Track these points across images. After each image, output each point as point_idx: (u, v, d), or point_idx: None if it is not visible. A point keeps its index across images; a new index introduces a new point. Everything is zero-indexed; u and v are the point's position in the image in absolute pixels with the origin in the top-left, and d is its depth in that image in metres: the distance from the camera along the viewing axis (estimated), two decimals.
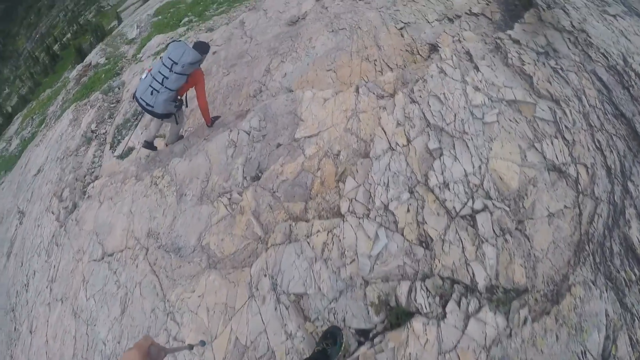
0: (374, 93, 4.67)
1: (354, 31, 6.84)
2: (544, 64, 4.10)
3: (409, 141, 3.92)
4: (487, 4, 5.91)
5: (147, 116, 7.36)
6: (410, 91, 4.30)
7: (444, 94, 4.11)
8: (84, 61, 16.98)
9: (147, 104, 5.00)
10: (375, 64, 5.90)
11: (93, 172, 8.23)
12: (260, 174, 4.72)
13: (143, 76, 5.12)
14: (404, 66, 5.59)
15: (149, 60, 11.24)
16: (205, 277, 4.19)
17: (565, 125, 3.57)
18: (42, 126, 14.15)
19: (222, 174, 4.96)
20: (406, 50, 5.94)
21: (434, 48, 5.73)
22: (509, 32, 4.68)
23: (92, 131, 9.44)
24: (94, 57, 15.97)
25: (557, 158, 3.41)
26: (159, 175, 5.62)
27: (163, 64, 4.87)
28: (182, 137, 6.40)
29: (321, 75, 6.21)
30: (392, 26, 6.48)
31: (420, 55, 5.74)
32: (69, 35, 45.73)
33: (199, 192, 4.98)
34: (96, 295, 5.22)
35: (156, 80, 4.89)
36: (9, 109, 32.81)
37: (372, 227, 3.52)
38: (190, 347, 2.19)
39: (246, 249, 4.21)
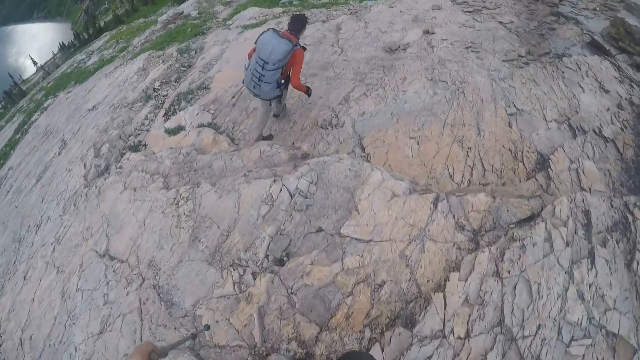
0: (454, 217, 3.47)
1: (455, 94, 5.52)
2: None
3: (467, 335, 2.74)
4: (622, 129, 4.50)
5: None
6: (500, 255, 3.06)
7: (539, 284, 2.85)
8: (178, 8, 16.21)
9: (255, 94, 4.91)
10: (467, 154, 4.62)
11: (139, 134, 7.44)
12: (285, 259, 3.68)
13: (245, 65, 4.88)
14: (503, 181, 4.30)
15: (237, 31, 10.21)
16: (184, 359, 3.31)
17: None
18: (123, 53, 13.62)
19: (245, 236, 3.94)
20: (509, 149, 4.63)
21: (542, 162, 4.41)
22: None
23: (154, 89, 8.63)
24: (188, 7, 15.12)
25: None
26: (185, 195, 4.68)
27: (256, 61, 4.55)
28: (285, 105, 6.18)
29: (401, 141, 4.98)
30: (501, 107, 5.12)
31: (524, 165, 4.42)
32: None
33: (213, 246, 4.01)
34: (85, 293, 4.57)
35: (255, 77, 4.66)
36: (102, 24, 33.07)
37: None
38: (194, 336, 2.27)
39: (234, 353, 3.27)
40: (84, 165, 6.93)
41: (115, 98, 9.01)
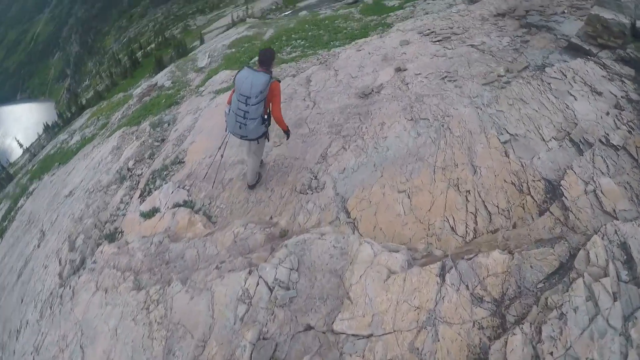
0: (467, 287, 2.76)
1: (441, 132, 4.91)
2: None
3: None
4: (630, 132, 3.87)
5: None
6: (537, 334, 2.34)
7: None
8: (152, 80, 16.00)
9: (242, 136, 4.65)
10: (467, 199, 3.95)
11: (115, 220, 6.80)
12: None
13: (226, 110, 4.73)
14: (513, 222, 3.61)
15: (209, 97, 9.78)
16: None
17: None
18: (103, 130, 13.20)
19: (223, 345, 3.18)
20: (512, 183, 3.97)
21: (552, 190, 3.75)
22: None
23: (129, 169, 8.05)
24: (162, 78, 14.85)
25: None
26: (155, 298, 3.96)
27: (238, 99, 4.39)
28: (260, 176, 5.77)
29: (390, 198, 4.30)
30: (493, 136, 4.50)
31: (533, 198, 3.75)
32: (153, 45, 45.89)
33: None
34: None
35: (239, 116, 4.44)
36: (84, 101, 33.20)
37: None
38: None
39: None
40: (59, 261, 6.28)
41: (90, 182, 8.41)
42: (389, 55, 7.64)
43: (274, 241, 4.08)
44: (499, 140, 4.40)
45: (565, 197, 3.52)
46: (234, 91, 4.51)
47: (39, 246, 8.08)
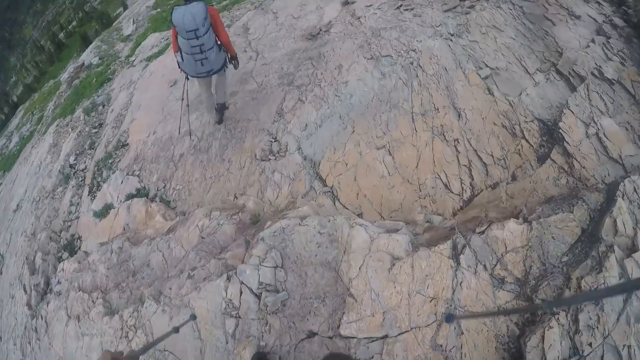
0: (486, 268, 2.28)
1: (410, 71, 4.22)
2: None
3: None
4: (622, 63, 3.38)
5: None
6: (573, 323, 1.90)
7: (629, 347, 1.81)
8: (77, 61, 14.05)
9: (207, 73, 4.35)
10: (456, 149, 3.38)
11: (69, 226, 5.99)
12: None
13: (179, 59, 4.35)
14: (511, 172, 3.12)
15: (141, 66, 8.51)
16: None
17: None
18: (39, 125, 11.76)
19: None
20: (502, 126, 3.43)
21: (548, 132, 3.26)
22: None
23: (71, 166, 7.03)
24: (87, 56, 12.94)
25: None
26: (131, 323, 3.32)
27: (188, 38, 4.02)
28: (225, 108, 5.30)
29: (368, 157, 3.67)
30: (471, 71, 3.88)
31: (528, 142, 3.26)
32: (74, 22, 40.57)
33: None
34: None
35: (197, 54, 4.13)
36: (15, 99, 29.78)
37: None
38: (176, 329, 1.94)
39: None
40: (24, 289, 5.53)
41: (35, 190, 7.36)
42: None
43: (246, 231, 3.45)
44: (479, 75, 3.81)
45: (567, 142, 3.08)
46: (176, 36, 4.16)
47: (1, 273, 7.23)
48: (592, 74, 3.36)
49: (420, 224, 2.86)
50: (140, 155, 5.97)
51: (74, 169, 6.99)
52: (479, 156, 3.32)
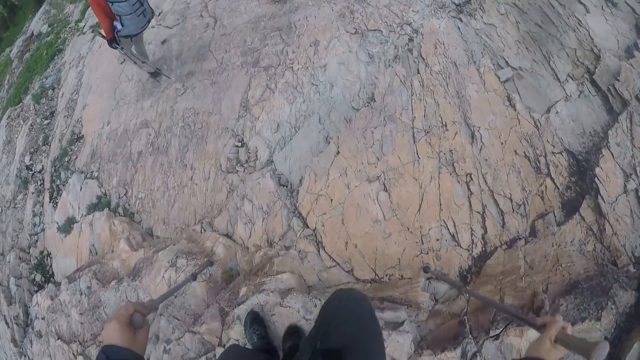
0: None
1: (409, 62, 3.12)
2: None
3: None
4: None
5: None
6: None
7: None
8: (26, 31, 12.07)
9: (148, 21, 4.06)
10: (469, 187, 2.46)
11: (36, 241, 5.18)
12: None
13: (118, 26, 3.85)
14: (531, 221, 2.26)
15: (90, 35, 7.03)
16: None
17: None
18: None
19: None
20: (525, 156, 2.47)
21: (579, 172, 2.34)
22: None
23: (27, 167, 6.02)
24: (36, 24, 10.91)
25: None
26: None
27: None
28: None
29: (358, 192, 2.72)
30: (488, 70, 2.85)
31: (553, 181, 2.36)
32: None
33: None
34: None
35: (139, 8, 3.81)
36: None
37: None
38: (194, 276, 1.88)
39: None
40: (6, 322, 4.94)
41: None
42: None
43: (219, 294, 2.66)
44: (498, 78, 2.73)
45: (601, 197, 2.16)
46: (103, 10, 3.67)
47: None
48: (637, 97, 2.34)
49: (423, 307, 2.06)
50: (96, 151, 5.05)
51: (31, 170, 6.00)
52: (495, 199, 2.43)
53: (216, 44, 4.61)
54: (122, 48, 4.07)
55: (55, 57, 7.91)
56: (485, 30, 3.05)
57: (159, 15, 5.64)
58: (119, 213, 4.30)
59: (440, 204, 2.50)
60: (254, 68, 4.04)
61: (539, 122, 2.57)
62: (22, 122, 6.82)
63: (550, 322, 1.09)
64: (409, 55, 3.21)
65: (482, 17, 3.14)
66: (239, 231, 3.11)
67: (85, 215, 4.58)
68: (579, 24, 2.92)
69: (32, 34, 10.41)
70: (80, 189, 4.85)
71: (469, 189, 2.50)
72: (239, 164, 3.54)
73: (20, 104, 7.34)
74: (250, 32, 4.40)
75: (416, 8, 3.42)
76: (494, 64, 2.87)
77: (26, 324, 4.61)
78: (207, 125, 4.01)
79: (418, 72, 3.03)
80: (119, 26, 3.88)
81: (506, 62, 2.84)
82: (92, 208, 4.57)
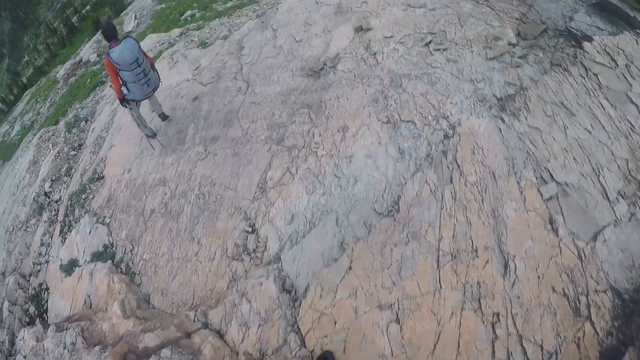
0: None
1: (442, 167, 2.86)
2: None
3: None
4: None
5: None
6: None
7: None
8: (76, 56, 12.60)
9: (153, 90, 4.46)
10: (494, 330, 2.04)
11: (39, 271, 5.15)
12: None
13: (125, 92, 4.32)
14: None
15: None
16: None
17: None
18: (38, 116, 10.78)
19: None
20: (563, 294, 2.09)
21: (623, 310, 2.00)
22: None
23: (45, 194, 6.04)
24: (87, 51, 11.44)
25: None
26: None
27: (132, 69, 4.13)
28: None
29: (366, 318, 2.37)
30: (530, 184, 2.49)
31: (593, 326, 1.96)
32: (88, 7, 38.44)
33: None
34: None
35: (142, 78, 4.24)
36: (24, 80, 28.38)
37: None
38: (188, 335, 2.02)
39: None
40: None
41: (10, 216, 6.43)
42: (343, 6, 5.03)
43: None
44: (540, 194, 2.44)
45: None
46: (116, 73, 4.19)
47: None
48: None
49: None
50: (113, 196, 5.01)
51: (49, 198, 6.07)
52: (523, 346, 2.05)
53: (244, 112, 4.55)
54: (130, 108, 4.53)
55: (97, 88, 8.18)
56: (530, 135, 2.74)
57: (196, 70, 5.71)
58: (121, 269, 4.19)
59: (459, 347, 2.14)
60: (277, 146, 3.92)
61: (584, 252, 2.22)
62: (51, 146, 6.96)
63: None
64: (443, 159, 2.96)
65: (526, 118, 2.84)
66: (231, 332, 2.83)
67: (88, 262, 4.52)
68: (631, 128, 2.56)
69: (81, 59, 10.87)
70: (90, 232, 4.79)
71: (494, 331, 2.13)
72: (245, 252, 3.35)
73: (54, 127, 7.49)
74: (279, 105, 4.32)
75: (454, 100, 3.20)
76: (537, 177, 2.54)
77: (10, 352, 4.53)
78: (222, 200, 3.88)
79: (451, 181, 2.76)
80: (125, 91, 4.33)
81: (551, 175, 2.50)
82: (97, 257, 4.50)
